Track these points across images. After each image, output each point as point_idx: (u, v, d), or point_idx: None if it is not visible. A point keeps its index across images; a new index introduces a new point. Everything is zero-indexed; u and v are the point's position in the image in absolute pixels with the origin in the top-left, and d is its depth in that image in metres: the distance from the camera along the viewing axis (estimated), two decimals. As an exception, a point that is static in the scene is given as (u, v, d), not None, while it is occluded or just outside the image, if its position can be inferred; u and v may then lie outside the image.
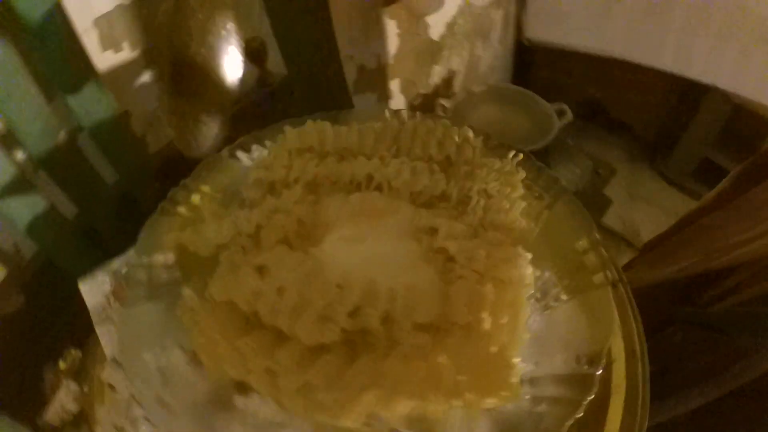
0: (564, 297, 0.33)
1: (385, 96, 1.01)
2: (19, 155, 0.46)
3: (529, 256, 0.32)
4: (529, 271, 0.31)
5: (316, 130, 0.41)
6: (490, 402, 0.26)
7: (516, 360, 0.26)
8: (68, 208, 0.52)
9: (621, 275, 0.42)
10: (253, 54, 0.57)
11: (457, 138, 0.40)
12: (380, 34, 0.89)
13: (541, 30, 1.13)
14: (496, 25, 1.13)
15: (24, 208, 0.45)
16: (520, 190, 0.37)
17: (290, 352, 0.28)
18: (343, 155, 0.40)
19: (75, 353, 0.50)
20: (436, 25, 0.99)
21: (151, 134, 0.63)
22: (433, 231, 0.33)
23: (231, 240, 0.35)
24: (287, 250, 0.33)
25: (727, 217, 0.51)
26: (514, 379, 0.26)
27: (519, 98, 1.07)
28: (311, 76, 0.57)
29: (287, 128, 0.42)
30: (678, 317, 0.52)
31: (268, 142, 0.43)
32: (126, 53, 0.55)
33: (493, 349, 0.26)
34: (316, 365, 0.27)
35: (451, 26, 1.02)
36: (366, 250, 0.33)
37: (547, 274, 0.35)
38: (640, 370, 0.37)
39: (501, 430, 0.28)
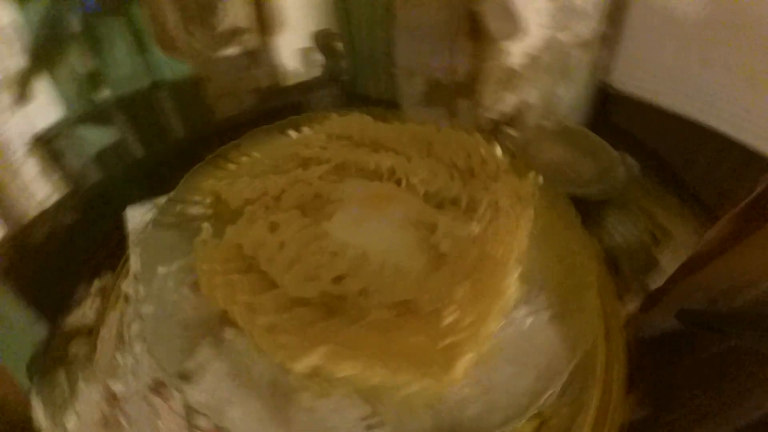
0: (547, 315, 0.34)
1: (452, 113, 1.03)
2: (105, 93, 0.53)
3: (518, 270, 0.34)
4: (513, 285, 0.33)
5: (358, 121, 0.45)
6: (426, 385, 0.27)
7: (466, 357, 0.28)
8: (136, 149, 0.58)
9: (618, 319, 0.42)
10: (323, 46, 0.61)
11: (483, 152, 0.42)
12: (455, 52, 0.92)
13: (631, 81, 1.10)
14: (582, 66, 1.13)
15: (97, 138, 0.53)
16: (531, 212, 0.39)
17: (274, 296, 0.31)
18: (377, 148, 0.44)
19: (109, 277, 0.56)
20: (517, 53, 1.01)
21: (224, 102, 0.70)
22: (434, 227, 0.35)
23: (258, 197, 0.40)
24: (300, 214, 0.37)
25: (731, 261, 0.49)
26: (455, 375, 0.27)
27: (588, 142, 1.06)
28: (367, 74, 0.61)
29: (333, 115, 0.46)
30: (678, 318, 0.50)
31: (315, 125, 0.48)
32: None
33: (447, 340, 0.28)
34: (291, 312, 0.30)
35: (532, 58, 1.03)
36: (368, 230, 0.35)
37: (538, 289, 0.36)
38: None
39: (439, 426, 0.29)
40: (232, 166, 0.44)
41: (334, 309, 0.31)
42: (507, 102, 1.10)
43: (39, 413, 0.46)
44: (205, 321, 0.35)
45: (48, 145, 0.62)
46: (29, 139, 0.60)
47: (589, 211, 1.07)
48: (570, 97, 1.19)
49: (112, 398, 0.40)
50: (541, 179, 0.41)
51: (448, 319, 0.29)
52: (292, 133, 0.48)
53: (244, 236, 0.35)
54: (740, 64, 0.72)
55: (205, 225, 0.36)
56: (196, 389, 0.32)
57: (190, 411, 0.36)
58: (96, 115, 0.51)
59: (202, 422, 0.35)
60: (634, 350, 0.43)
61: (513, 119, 1.16)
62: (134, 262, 0.40)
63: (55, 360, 0.47)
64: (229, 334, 0.32)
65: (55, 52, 0.47)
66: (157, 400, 0.38)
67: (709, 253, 0.54)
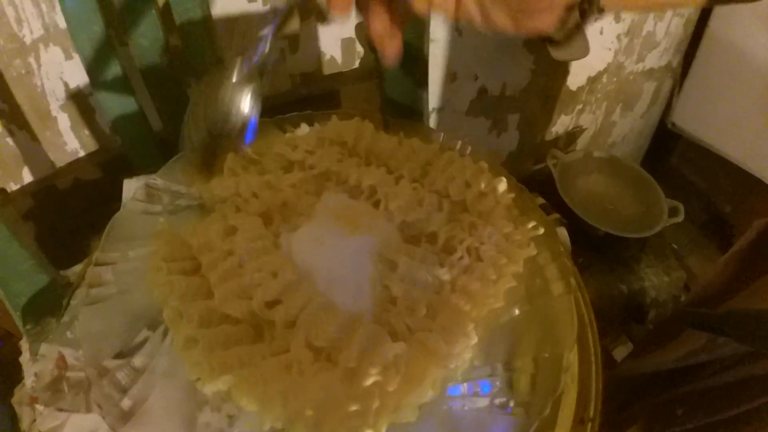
0: (498, 405, 0.28)
1: (499, 126, 0.96)
2: (129, 62, 0.52)
3: (475, 339, 0.28)
4: (465, 355, 0.28)
5: (356, 127, 0.41)
6: None
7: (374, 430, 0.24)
8: (155, 121, 0.57)
9: (597, 411, 0.36)
10: (363, 39, 0.57)
11: (483, 186, 0.36)
12: (512, 64, 0.85)
13: (690, 120, 0.99)
14: (643, 96, 1.02)
15: (117, 104, 0.51)
16: (518, 267, 0.33)
17: (203, 308, 0.28)
18: (369, 160, 0.39)
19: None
20: (577, 75, 0.92)
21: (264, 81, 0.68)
22: (394, 266, 0.31)
23: (230, 197, 0.36)
24: (260, 223, 0.33)
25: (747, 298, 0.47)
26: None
27: (635, 180, 0.96)
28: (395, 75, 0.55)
29: (333, 117, 0.42)
30: (681, 319, 0.50)
31: (316, 125, 0.44)
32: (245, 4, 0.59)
33: (358, 405, 0.24)
34: (215, 329, 0.27)
35: (593, 81, 0.94)
36: (324, 252, 0.31)
37: (499, 369, 0.30)
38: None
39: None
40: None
41: (261, 334, 0.27)
42: (560, 123, 1.01)
43: (24, 359, 0.46)
44: (148, 314, 0.32)
45: (82, 102, 0.62)
46: (66, 93, 0.60)
47: (621, 248, 0.96)
48: (628, 128, 1.08)
49: (62, 364, 0.39)
50: (542, 230, 0.35)
51: (368, 381, 0.24)
52: (289, 131, 0.44)
53: (198, 236, 0.32)
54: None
55: (161, 219, 0.33)
56: (126, 374, 0.30)
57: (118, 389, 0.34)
58: (119, 83, 0.50)
59: (126, 403, 0.34)
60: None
61: (564, 142, 1.07)
62: (105, 241, 0.38)
63: (48, 310, 0.47)
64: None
65: (86, 15, 0.45)
66: (93, 374, 0.36)
67: (715, 296, 0.52)
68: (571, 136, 1.06)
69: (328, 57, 0.71)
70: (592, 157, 0.99)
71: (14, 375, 0.47)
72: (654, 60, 0.95)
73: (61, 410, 0.39)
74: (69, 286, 0.49)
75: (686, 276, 0.92)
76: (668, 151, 1.09)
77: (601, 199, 0.98)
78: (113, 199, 0.49)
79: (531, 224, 0.35)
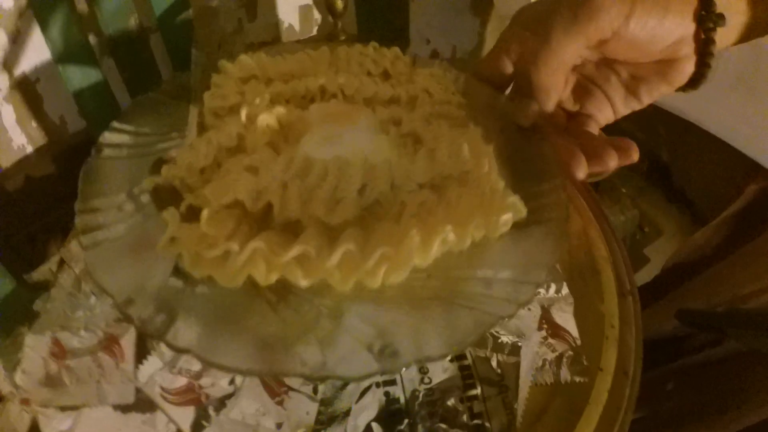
0: None
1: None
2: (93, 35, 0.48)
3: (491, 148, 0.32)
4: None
5: (253, 60, 0.39)
6: (503, 221, 0.27)
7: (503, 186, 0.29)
8: (123, 97, 0.49)
9: (633, 286, 0.39)
10: (329, 6, 0.52)
11: (388, 55, 0.41)
12: (460, 28, 0.83)
13: None
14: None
15: (83, 82, 0.44)
16: (453, 88, 0.38)
17: (309, 236, 0.26)
18: (287, 79, 0.39)
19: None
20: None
21: (215, 54, 0.56)
22: (397, 122, 0.34)
23: (214, 159, 0.32)
24: (273, 152, 0.32)
25: (733, 266, 0.45)
26: (511, 198, 0.27)
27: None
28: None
29: (222, 62, 0.39)
30: (678, 317, 0.47)
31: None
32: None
33: (487, 187, 0.29)
34: (340, 238, 0.26)
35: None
36: (344, 145, 0.32)
37: None
38: (627, 393, 0.33)
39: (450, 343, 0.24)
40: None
41: (373, 220, 0.28)
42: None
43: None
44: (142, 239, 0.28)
45: (29, 90, 0.50)
46: (11, 81, 0.48)
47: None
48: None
49: (60, 353, 0.33)
50: (445, 62, 0.41)
51: (485, 167, 0.28)
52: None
53: (234, 190, 0.28)
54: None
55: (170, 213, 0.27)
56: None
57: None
58: (84, 59, 0.43)
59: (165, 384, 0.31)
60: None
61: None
62: (84, 187, 0.30)
63: (17, 318, 0.37)
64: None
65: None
66: (105, 358, 0.32)
67: (706, 258, 0.49)
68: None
69: (286, 25, 0.66)
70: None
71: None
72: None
73: (65, 409, 0.32)
74: (41, 286, 0.39)
75: (641, 218, 0.92)
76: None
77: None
78: (71, 196, 0.40)
79: (437, 63, 0.41)
